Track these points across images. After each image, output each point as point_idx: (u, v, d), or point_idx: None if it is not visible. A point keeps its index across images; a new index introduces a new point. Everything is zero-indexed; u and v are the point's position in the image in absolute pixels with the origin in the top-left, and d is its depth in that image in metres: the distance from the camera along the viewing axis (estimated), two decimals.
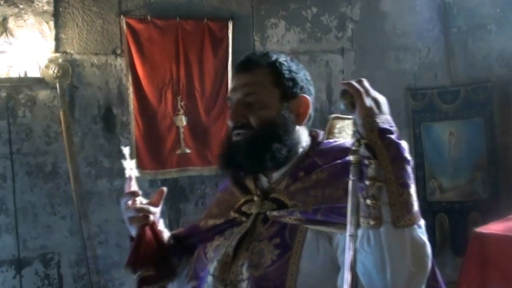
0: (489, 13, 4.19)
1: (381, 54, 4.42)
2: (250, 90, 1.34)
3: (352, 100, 1.13)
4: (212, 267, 1.31)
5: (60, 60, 3.71)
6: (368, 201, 1.08)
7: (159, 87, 3.95)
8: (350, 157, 1.11)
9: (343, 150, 1.29)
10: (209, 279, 1.30)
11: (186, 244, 1.49)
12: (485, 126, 4.13)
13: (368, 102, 1.12)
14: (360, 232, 1.10)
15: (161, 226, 1.48)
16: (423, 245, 1.10)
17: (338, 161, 1.30)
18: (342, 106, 1.16)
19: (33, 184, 3.72)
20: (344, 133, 1.44)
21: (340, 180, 1.24)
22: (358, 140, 1.11)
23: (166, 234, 1.50)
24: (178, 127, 4.01)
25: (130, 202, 1.41)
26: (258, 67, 1.36)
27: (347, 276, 1.06)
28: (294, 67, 1.38)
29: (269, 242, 1.26)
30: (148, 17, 3.90)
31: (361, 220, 1.09)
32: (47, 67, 3.65)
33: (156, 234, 1.42)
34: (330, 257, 1.22)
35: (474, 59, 4.27)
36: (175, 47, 3.97)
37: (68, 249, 3.77)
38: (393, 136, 1.10)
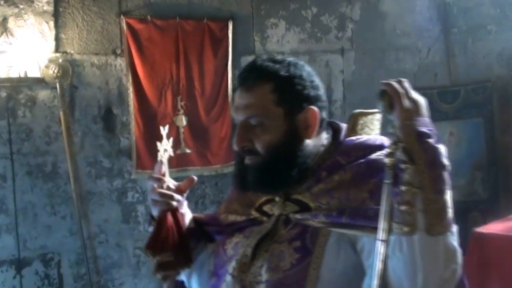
0: (489, 13, 4.19)
1: (381, 54, 4.43)
2: (251, 112, 1.26)
3: (391, 101, 1.10)
4: (230, 266, 1.29)
5: (60, 60, 3.70)
6: (403, 207, 1.05)
7: (159, 87, 3.95)
8: (386, 160, 1.08)
9: (366, 148, 1.28)
10: (228, 278, 1.28)
11: (205, 231, 1.48)
12: (485, 126, 4.13)
13: (408, 104, 1.10)
14: (392, 238, 1.07)
15: (184, 209, 1.45)
16: (455, 251, 1.09)
17: (361, 160, 1.25)
18: (380, 107, 1.13)
19: (33, 184, 3.72)
20: (367, 129, 1.38)
21: (364, 181, 1.21)
22: (395, 143, 1.08)
23: (188, 216, 1.48)
24: (178, 127, 4.01)
25: (156, 185, 1.37)
26: (259, 84, 1.26)
27: (375, 282, 1.05)
28: (297, 76, 1.28)
29: (289, 245, 1.23)
30: (148, 17, 3.90)
31: (394, 225, 1.07)
32: (47, 67, 3.65)
33: (177, 220, 1.39)
34: (352, 263, 1.18)
35: (474, 59, 4.27)
36: (175, 47, 3.97)
37: (68, 249, 3.77)
38: (431, 141, 1.07)
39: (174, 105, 3.98)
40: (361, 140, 1.32)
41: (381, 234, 1.06)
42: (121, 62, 3.90)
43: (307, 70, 1.31)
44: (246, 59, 4.22)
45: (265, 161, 1.26)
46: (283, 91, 1.26)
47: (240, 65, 4.21)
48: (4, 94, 3.63)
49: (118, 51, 3.91)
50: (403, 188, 1.05)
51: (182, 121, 4.01)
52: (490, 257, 2.83)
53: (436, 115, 4.31)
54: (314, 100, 1.29)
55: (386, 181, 1.07)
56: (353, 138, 1.34)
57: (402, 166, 1.06)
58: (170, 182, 1.39)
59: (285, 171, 1.26)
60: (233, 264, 1.28)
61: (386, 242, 1.06)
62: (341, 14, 4.42)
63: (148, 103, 3.92)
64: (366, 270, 1.15)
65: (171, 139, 1.43)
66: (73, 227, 3.77)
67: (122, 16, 3.86)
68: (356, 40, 4.42)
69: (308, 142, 1.29)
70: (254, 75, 1.28)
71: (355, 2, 4.43)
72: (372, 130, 1.39)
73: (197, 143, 4.05)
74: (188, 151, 4.03)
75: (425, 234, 1.05)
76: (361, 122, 1.38)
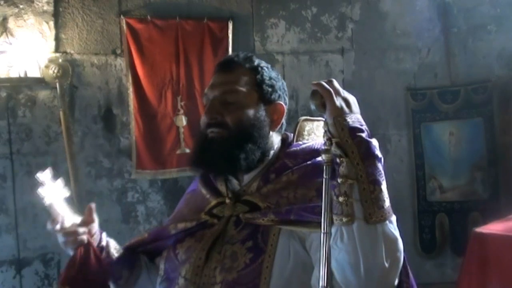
0: (489, 13, 4.19)
1: (381, 54, 4.42)
2: (229, 88, 1.33)
3: (323, 100, 1.15)
4: (184, 269, 1.31)
5: (60, 60, 3.71)
6: (341, 199, 1.10)
7: (159, 87, 3.95)
8: (322, 156, 1.13)
9: (312, 152, 1.34)
10: (181, 281, 1.30)
11: (149, 250, 1.49)
12: (485, 126, 4.12)
13: (338, 102, 1.14)
14: (333, 229, 1.11)
15: (104, 240, 1.47)
16: (395, 240, 1.11)
17: (308, 162, 1.32)
18: (312, 107, 1.17)
19: (33, 184, 3.70)
20: (313, 135, 1.45)
21: (311, 181, 1.27)
22: (329, 139, 1.12)
23: (113, 246, 1.49)
24: (178, 127, 4.01)
25: (58, 227, 1.40)
26: (239, 68, 1.36)
27: (322, 273, 1.08)
28: (274, 74, 1.40)
29: (242, 245, 1.27)
30: (148, 17, 3.90)
31: (334, 217, 1.11)
32: (47, 67, 3.65)
33: (88, 254, 1.40)
34: (302, 260, 1.23)
35: (474, 59, 4.26)
36: (175, 47, 3.97)
37: None
38: (363, 135, 1.12)
39: (174, 105, 3.98)
40: (307, 144, 1.40)
41: (324, 227, 1.10)
42: (121, 62, 3.91)
43: (280, 77, 1.44)
44: None
45: (233, 135, 1.31)
46: (261, 79, 1.37)
47: None
48: (4, 94, 3.63)
49: (118, 51, 3.91)
50: (339, 180, 1.10)
51: (182, 121, 4.01)
52: (490, 257, 2.83)
53: (436, 115, 4.32)
54: (283, 101, 1.41)
55: (325, 176, 1.12)
56: (300, 142, 1.42)
57: (338, 160, 1.11)
58: (73, 219, 1.42)
59: (250, 148, 1.31)
60: (186, 267, 1.31)
61: (328, 234, 1.10)
62: (341, 14, 4.42)
63: (148, 103, 3.92)
64: (315, 263, 1.19)
65: (59, 180, 1.48)
66: None
67: (122, 16, 3.86)
68: (356, 40, 4.42)
69: (271, 134, 1.37)
70: (236, 61, 1.38)
71: (355, 2, 4.43)
72: (318, 136, 1.44)
73: None
74: (188, 151, 4.03)
75: (363, 222, 1.08)
76: (307, 128, 1.46)
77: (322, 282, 1.08)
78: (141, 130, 3.91)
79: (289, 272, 1.22)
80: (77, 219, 1.43)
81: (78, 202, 3.74)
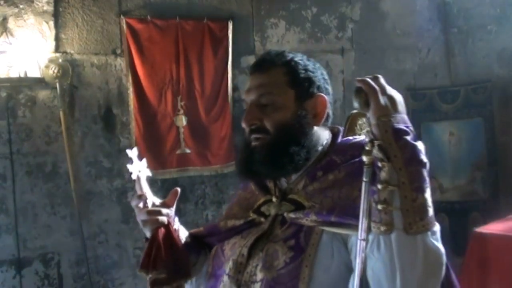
0: (489, 13, 4.19)
1: (381, 54, 4.43)
2: (264, 91, 1.29)
3: (367, 98, 1.07)
4: (227, 266, 1.29)
5: (60, 60, 3.70)
6: (380, 206, 1.03)
7: (159, 87, 3.95)
8: (363, 158, 1.07)
9: (362, 148, 1.25)
10: (225, 278, 1.28)
11: (205, 243, 1.47)
12: (485, 126, 4.13)
13: (383, 100, 1.07)
14: (370, 237, 1.06)
15: (176, 224, 1.45)
16: (436, 252, 1.06)
17: (356, 159, 1.23)
18: (355, 104, 1.09)
19: (33, 184, 3.71)
20: (365, 130, 1.37)
21: (357, 179, 1.17)
22: (371, 141, 1.06)
23: (183, 232, 1.48)
24: (178, 127, 4.01)
25: (141, 205, 1.37)
26: (272, 67, 1.31)
27: (356, 281, 1.04)
28: (310, 66, 1.34)
29: (284, 244, 1.23)
30: (148, 17, 3.90)
31: (372, 225, 1.05)
32: (47, 67, 3.65)
33: (170, 234, 1.38)
34: (344, 262, 1.17)
35: (474, 59, 4.27)
36: (175, 47, 3.97)
37: (68, 249, 3.77)
38: (408, 138, 1.05)
39: (174, 105, 3.98)
40: (358, 139, 1.32)
41: (360, 233, 1.05)
42: (121, 62, 3.90)
43: (320, 66, 1.38)
44: (246, 59, 4.23)
45: (274, 140, 1.27)
46: (295, 74, 1.30)
47: (240, 65, 4.21)
48: (4, 94, 3.62)
49: (118, 51, 3.91)
50: (379, 186, 1.04)
51: (182, 121, 4.01)
52: (490, 257, 2.83)
53: (436, 115, 4.32)
54: (324, 91, 1.34)
55: (364, 179, 1.06)
56: (350, 137, 1.35)
57: (379, 164, 1.04)
58: (154, 199, 1.40)
59: (293, 150, 1.26)
60: (229, 264, 1.29)
61: (365, 241, 1.05)
62: (341, 14, 4.42)
63: (148, 103, 3.92)
64: (353, 269, 1.14)
65: (144, 159, 1.44)
66: (73, 227, 3.76)
67: (122, 16, 3.86)
68: (356, 40, 4.42)
69: (315, 129, 1.31)
70: (268, 61, 1.32)
71: (355, 2, 4.43)
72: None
73: (197, 143, 4.05)
74: (188, 151, 4.03)
75: (402, 233, 1.02)
76: (359, 122, 1.39)
77: None
78: (141, 130, 3.91)
79: (332, 273, 1.17)
80: (156, 200, 1.40)
81: (78, 202, 3.75)
